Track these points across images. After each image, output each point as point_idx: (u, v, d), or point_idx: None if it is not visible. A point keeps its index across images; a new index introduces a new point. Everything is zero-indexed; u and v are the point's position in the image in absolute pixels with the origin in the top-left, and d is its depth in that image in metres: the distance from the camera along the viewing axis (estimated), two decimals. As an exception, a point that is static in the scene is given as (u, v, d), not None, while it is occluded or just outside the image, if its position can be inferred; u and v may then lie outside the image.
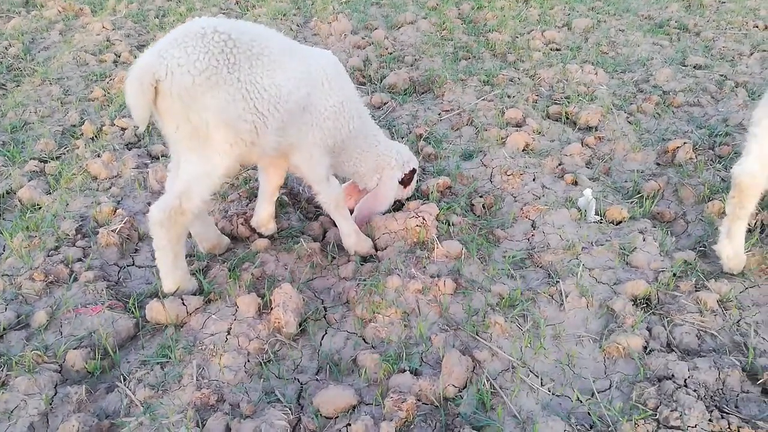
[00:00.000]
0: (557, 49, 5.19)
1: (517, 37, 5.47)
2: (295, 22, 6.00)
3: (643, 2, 6.63)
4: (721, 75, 4.49)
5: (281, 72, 2.18)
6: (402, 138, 3.69)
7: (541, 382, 2.01)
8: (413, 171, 2.93)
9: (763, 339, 2.17)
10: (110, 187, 3.22)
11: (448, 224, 2.78)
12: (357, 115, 2.62)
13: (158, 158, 3.52)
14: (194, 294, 2.34)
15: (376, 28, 5.72)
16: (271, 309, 2.21)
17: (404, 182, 2.91)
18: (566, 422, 1.82)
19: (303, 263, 2.60)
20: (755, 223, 2.78)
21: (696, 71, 4.58)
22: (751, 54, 4.92)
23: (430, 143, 3.66)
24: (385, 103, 4.18)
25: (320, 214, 3.00)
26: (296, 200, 3.16)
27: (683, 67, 4.68)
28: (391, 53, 5.17)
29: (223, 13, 6.28)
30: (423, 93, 4.50)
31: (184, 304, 2.26)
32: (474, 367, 2.03)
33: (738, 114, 3.84)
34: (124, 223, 2.74)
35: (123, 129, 3.83)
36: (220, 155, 2.12)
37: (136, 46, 5.27)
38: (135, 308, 2.31)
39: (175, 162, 2.32)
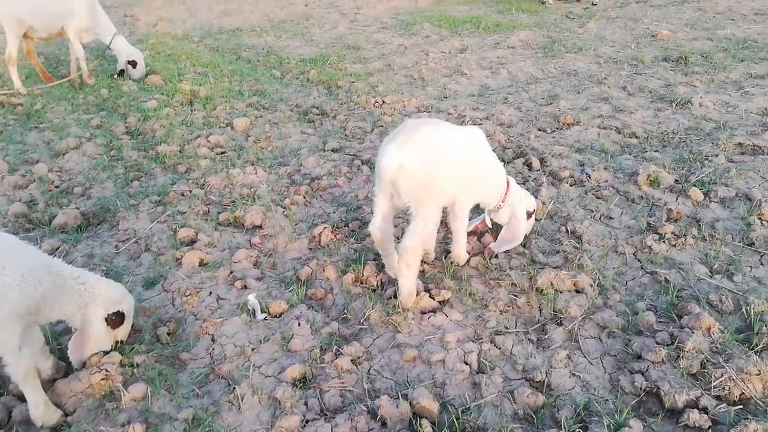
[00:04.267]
0: (223, 152, 5.84)
1: (186, 145, 5.96)
2: (-64, 168, 5.48)
3: (292, 91, 7.79)
4: (352, 155, 5.68)
5: None
6: (80, 283, 3.82)
7: (228, 484, 2.47)
8: (119, 314, 3.12)
9: (385, 378, 3.01)
10: None
11: (134, 366, 3.08)
12: (46, 276, 2.79)
13: None
14: None
15: (37, 161, 5.61)
16: None
17: (112, 323, 3.10)
18: None
19: (-14, 458, 2.61)
20: (377, 284, 3.73)
21: (334, 154, 5.69)
22: (372, 130, 6.29)
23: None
24: (57, 248, 4.21)
25: (1, 394, 2.99)
26: (-31, 387, 3.07)
27: (324, 152, 5.75)
28: (57, 187, 5.16)
29: None
30: (98, 225, 4.65)
31: None
32: (169, 497, 2.39)
33: (364, 189, 4.96)
34: None
35: None
36: None
37: None
38: None
39: None
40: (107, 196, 4.93)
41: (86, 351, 3.01)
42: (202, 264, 4.00)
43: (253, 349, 3.19)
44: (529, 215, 3.90)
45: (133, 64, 8.27)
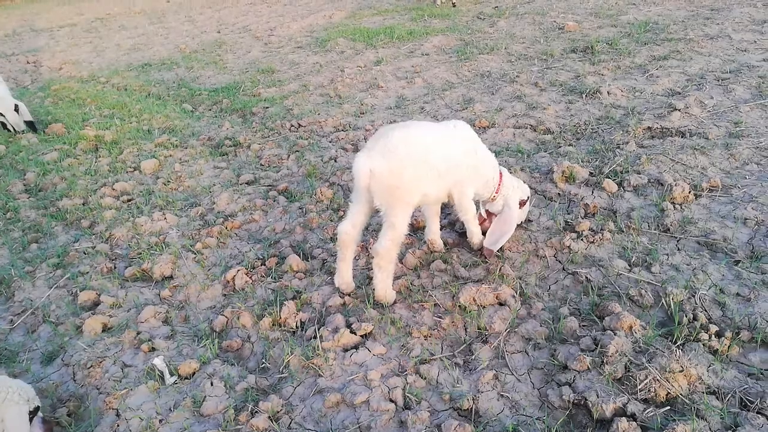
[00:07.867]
0: (130, 200, 5.48)
1: (90, 196, 5.58)
2: None
3: (204, 124, 7.48)
4: (267, 185, 5.44)
5: None
6: (-33, 371, 3.44)
7: None
8: None
9: (306, 430, 2.80)
10: None
11: (25, 461, 2.74)
12: None
13: None
14: None
15: None
16: None
17: None
18: None
19: None
20: (296, 324, 3.52)
21: (247, 187, 5.44)
22: (289, 156, 6.08)
23: (2, 364, 3.50)
24: (-59, 334, 3.80)
25: None
26: None
27: (238, 186, 5.49)
28: (-55, 262, 4.70)
29: None
30: (-8, 299, 4.24)
31: None
32: None
33: (281, 221, 4.73)
34: None
35: None
36: None
37: None
38: None
39: None
40: (2, 266, 4.52)
41: None
42: (105, 329, 3.68)
43: (161, 421, 2.91)
44: (522, 203, 3.93)
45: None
